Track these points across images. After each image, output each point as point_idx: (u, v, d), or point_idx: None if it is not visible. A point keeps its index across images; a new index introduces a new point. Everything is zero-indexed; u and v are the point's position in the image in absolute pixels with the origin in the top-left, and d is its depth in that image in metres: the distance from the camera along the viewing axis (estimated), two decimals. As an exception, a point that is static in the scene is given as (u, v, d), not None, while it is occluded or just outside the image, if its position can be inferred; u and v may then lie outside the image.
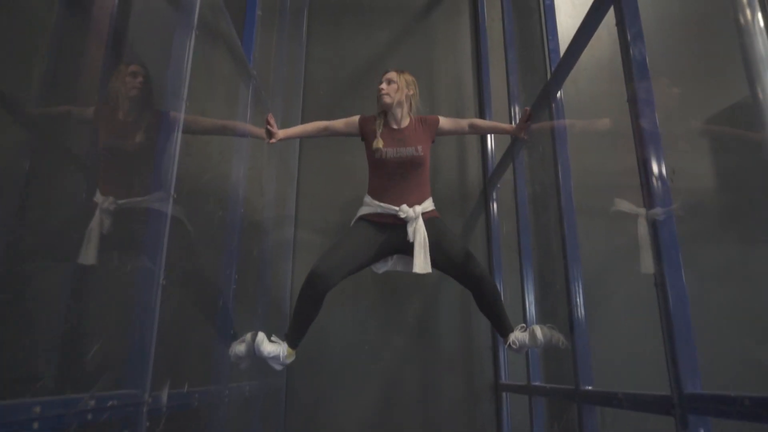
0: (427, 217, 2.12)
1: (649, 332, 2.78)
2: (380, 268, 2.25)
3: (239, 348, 1.94)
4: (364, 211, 2.19)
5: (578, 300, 1.89)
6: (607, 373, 2.21)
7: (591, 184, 3.03)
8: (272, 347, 1.95)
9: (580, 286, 1.91)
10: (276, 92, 2.90)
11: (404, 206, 2.10)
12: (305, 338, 1.99)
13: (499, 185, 3.27)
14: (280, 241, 3.10)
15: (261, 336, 1.95)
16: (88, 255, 1.36)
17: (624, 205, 2.42)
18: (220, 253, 1.99)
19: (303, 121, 3.45)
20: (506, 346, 2.10)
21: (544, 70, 3.24)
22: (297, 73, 3.45)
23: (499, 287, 3.07)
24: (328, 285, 1.97)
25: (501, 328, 2.12)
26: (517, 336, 2.05)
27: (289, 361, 2.00)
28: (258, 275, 2.55)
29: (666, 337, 1.26)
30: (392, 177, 2.15)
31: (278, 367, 1.99)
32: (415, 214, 2.08)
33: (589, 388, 1.79)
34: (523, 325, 2.11)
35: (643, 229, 2.91)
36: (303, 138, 2.42)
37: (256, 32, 2.21)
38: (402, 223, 2.10)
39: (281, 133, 2.22)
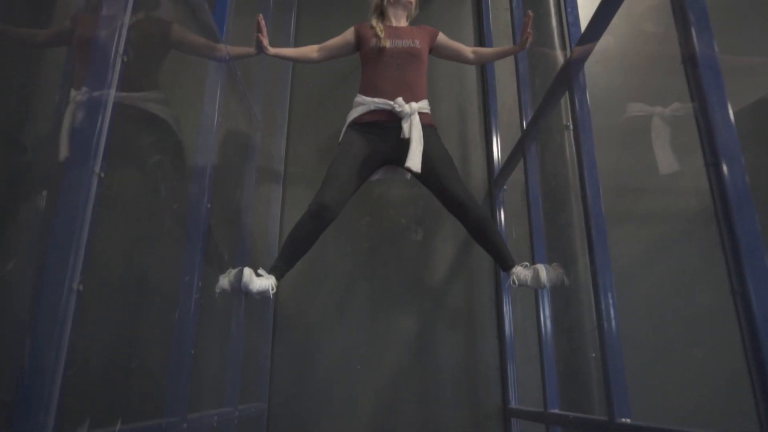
0: (424, 123, 2.03)
1: (698, 349, 2.54)
2: (372, 177, 2.19)
3: (223, 282, 1.84)
4: (354, 114, 2.09)
5: (610, 313, 1.57)
6: (647, 401, 1.90)
7: (618, 182, 2.75)
8: (261, 282, 1.85)
9: (612, 297, 1.59)
10: (257, 84, 2.60)
11: (399, 99, 2.01)
12: (289, 358, 1.84)
13: (505, 187, 2.97)
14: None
15: (248, 272, 1.83)
16: None
17: (635, 107, 2.33)
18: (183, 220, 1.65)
19: (290, 123, 3.15)
20: (508, 283, 2.03)
21: (554, 62, 2.96)
22: (283, 67, 3.16)
23: (509, 303, 2.75)
24: (334, 214, 1.94)
25: (500, 259, 2.04)
26: (519, 273, 1.96)
27: (273, 293, 1.90)
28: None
29: (752, 361, 0.94)
30: (387, 68, 2.09)
31: (260, 298, 1.91)
32: (411, 109, 2.00)
33: (628, 421, 1.47)
34: (527, 263, 2.01)
35: (659, 128, 2.77)
36: (296, 61, 2.38)
37: (231, 11, 1.92)
38: (396, 122, 2.02)
39: (272, 51, 2.09)
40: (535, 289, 2.11)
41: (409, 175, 2.33)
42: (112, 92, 1.00)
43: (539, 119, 2.20)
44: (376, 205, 2.99)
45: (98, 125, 1.01)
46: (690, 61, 1.14)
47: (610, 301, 1.58)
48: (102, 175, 0.98)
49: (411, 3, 2.27)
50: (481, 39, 3.33)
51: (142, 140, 1.63)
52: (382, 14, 2.25)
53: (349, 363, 2.73)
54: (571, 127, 2.98)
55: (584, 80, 1.83)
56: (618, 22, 3.11)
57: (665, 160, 2.87)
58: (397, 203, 3.00)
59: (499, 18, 3.40)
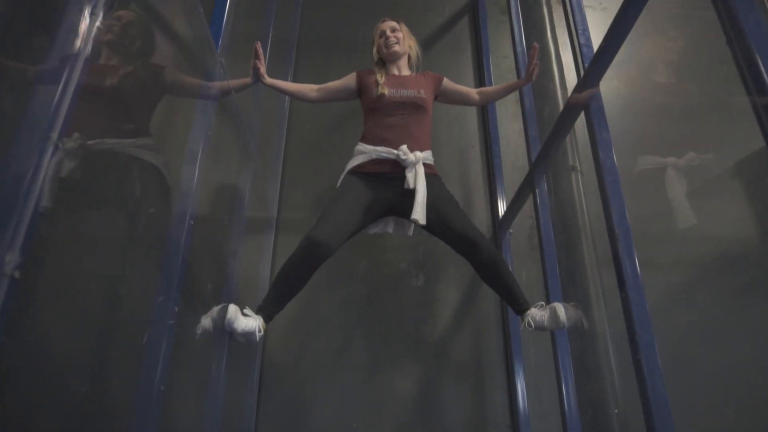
0: (428, 173, 1.95)
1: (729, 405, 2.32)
2: (371, 229, 2.10)
3: (206, 322, 1.66)
4: (355, 162, 1.98)
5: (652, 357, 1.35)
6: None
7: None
8: (247, 322, 1.71)
9: (651, 337, 1.38)
10: (253, 122, 2.48)
11: (404, 147, 1.91)
12: (277, 414, 1.61)
13: (511, 230, 2.82)
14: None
15: (233, 309, 1.69)
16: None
17: (647, 160, 2.28)
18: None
19: (286, 154, 3.03)
20: (522, 327, 1.87)
21: (560, 93, 2.90)
22: (279, 108, 3.08)
23: (519, 354, 2.52)
24: (329, 251, 1.78)
25: (513, 301, 1.90)
26: (535, 315, 1.82)
27: (259, 336, 1.75)
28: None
29: None
30: (391, 118, 1.99)
31: (245, 341, 1.76)
32: (416, 158, 1.90)
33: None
34: (542, 303, 1.86)
35: (673, 180, 2.69)
36: (292, 96, 2.16)
37: (228, 24, 1.82)
38: (399, 173, 1.92)
39: (269, 80, 2.00)
40: (552, 330, 1.93)
41: (411, 231, 2.19)
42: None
43: (550, 149, 2.08)
44: (374, 249, 2.81)
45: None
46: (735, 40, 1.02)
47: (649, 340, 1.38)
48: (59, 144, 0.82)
49: (407, 53, 2.17)
50: (482, 85, 3.29)
51: (130, 184, 1.51)
52: (383, 64, 2.16)
53: (344, 422, 2.44)
54: (578, 168, 2.87)
55: (600, 101, 1.72)
56: (628, 72, 3.12)
57: (683, 214, 2.79)
58: (397, 247, 2.82)
59: (500, 65, 3.39)
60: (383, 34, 2.14)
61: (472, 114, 3.21)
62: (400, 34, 2.13)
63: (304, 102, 2.17)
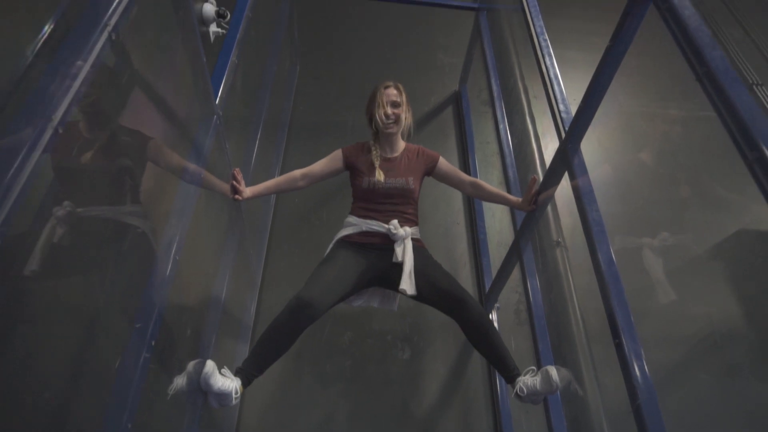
0: (416, 245, 1.97)
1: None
2: (355, 301, 2.10)
3: (179, 381, 1.54)
4: (345, 232, 1.99)
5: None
6: None
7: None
8: (224, 381, 1.65)
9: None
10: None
11: (395, 221, 1.94)
12: None
13: (498, 305, 2.78)
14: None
15: (210, 365, 1.64)
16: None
17: (625, 240, 2.34)
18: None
19: (273, 225, 3.03)
20: (513, 396, 1.82)
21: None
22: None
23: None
24: (316, 314, 1.73)
25: (502, 367, 1.85)
26: (527, 381, 1.78)
27: (235, 402, 1.67)
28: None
29: None
30: (380, 203, 2.00)
31: (218, 406, 1.70)
32: (405, 233, 1.93)
33: None
34: (533, 368, 1.83)
35: (650, 259, 2.83)
36: (279, 193, 2.10)
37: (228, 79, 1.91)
38: (387, 246, 1.94)
39: (248, 191, 2.01)
40: (546, 395, 1.85)
41: (396, 306, 2.17)
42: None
43: (533, 216, 2.13)
44: (358, 320, 2.74)
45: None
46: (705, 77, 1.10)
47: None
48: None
49: (401, 125, 2.05)
50: (467, 168, 3.42)
51: (117, 246, 1.51)
52: (377, 135, 2.08)
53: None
54: (563, 243, 2.92)
55: (582, 159, 1.80)
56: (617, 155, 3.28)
57: (663, 290, 2.87)
58: (382, 318, 2.75)
59: (483, 150, 3.55)
60: (385, 104, 2.01)
61: (457, 193, 3.30)
62: (400, 111, 2.02)
63: (293, 192, 2.17)
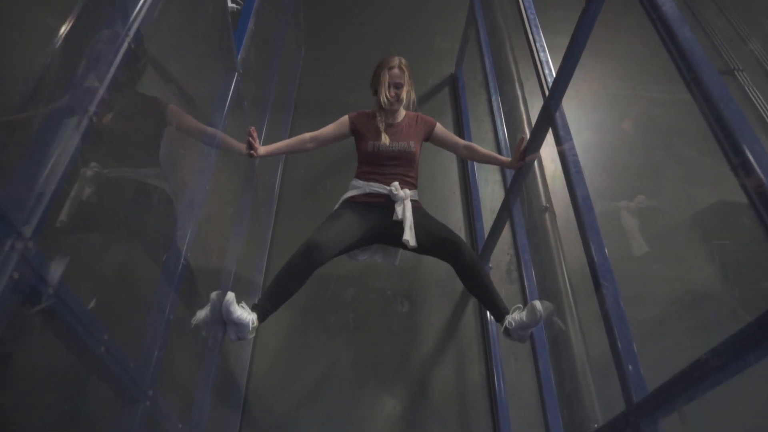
0: (414, 206, 2.13)
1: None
2: (360, 256, 2.27)
3: (201, 313, 1.72)
4: (350, 193, 2.17)
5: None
6: None
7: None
8: (242, 312, 1.82)
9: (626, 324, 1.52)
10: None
11: (396, 183, 2.12)
12: None
13: (490, 265, 3.00)
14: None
15: (231, 296, 1.81)
16: None
17: (604, 204, 2.57)
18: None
19: (281, 194, 3.24)
20: (502, 332, 2.01)
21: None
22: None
23: (501, 377, 2.59)
24: (324, 257, 1.91)
25: (493, 307, 2.06)
26: (514, 316, 1.97)
27: (251, 336, 1.86)
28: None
29: None
30: (383, 165, 2.17)
31: (235, 339, 1.85)
32: (405, 195, 2.10)
33: None
34: (520, 305, 2.01)
35: (627, 219, 3.23)
36: (290, 153, 2.35)
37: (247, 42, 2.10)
38: (389, 205, 2.11)
39: (263, 150, 2.18)
40: (532, 326, 2.05)
41: (397, 260, 2.36)
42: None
43: (521, 173, 2.33)
44: (361, 278, 2.95)
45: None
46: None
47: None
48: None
49: (403, 102, 2.19)
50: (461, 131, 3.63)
51: (139, 207, 1.65)
52: (381, 108, 2.20)
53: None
54: (551, 208, 3.14)
55: (563, 115, 2.01)
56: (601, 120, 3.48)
57: (636, 243, 3.13)
58: (383, 276, 2.96)
59: (478, 127, 3.76)
60: (389, 85, 2.14)
61: (453, 165, 3.52)
62: (402, 92, 2.15)
63: (302, 153, 2.34)
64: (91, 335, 0.94)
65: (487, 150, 2.33)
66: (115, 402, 1.15)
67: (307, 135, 2.24)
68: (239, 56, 1.97)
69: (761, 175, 0.99)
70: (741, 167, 1.04)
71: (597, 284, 1.63)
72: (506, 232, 2.83)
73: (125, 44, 1.10)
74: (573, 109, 2.17)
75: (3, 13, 0.97)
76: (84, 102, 0.98)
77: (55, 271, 0.83)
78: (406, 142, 2.19)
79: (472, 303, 2.93)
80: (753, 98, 4.33)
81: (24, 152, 0.84)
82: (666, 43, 1.33)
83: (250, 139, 2.12)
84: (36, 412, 0.99)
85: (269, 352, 2.65)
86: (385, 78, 2.16)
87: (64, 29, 1.01)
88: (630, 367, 1.43)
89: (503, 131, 3.15)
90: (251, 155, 2.15)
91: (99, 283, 1.14)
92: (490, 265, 3.00)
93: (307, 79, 3.94)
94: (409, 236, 2.03)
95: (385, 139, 2.15)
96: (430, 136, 2.31)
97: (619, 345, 1.50)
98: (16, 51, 1.01)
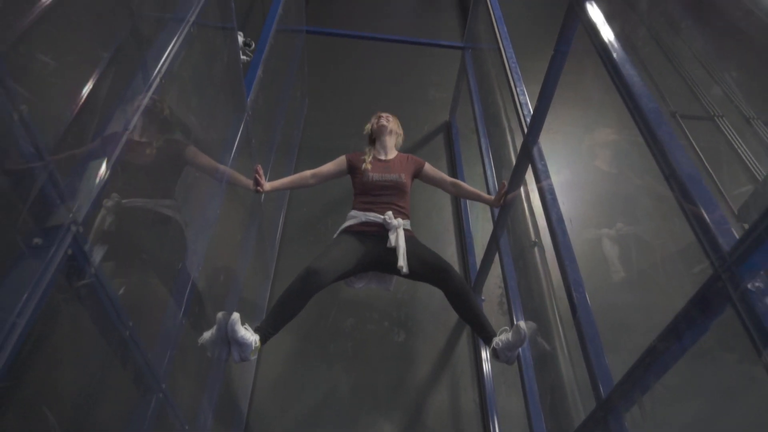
0: (406, 235, 2.30)
1: None
2: (357, 284, 2.41)
3: (207, 334, 1.82)
4: (347, 223, 2.34)
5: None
6: None
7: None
8: (245, 332, 1.94)
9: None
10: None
11: (389, 213, 2.30)
12: None
13: (483, 297, 3.14)
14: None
15: (236, 316, 1.92)
16: None
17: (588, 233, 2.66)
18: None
19: (284, 232, 3.43)
20: (490, 353, 2.10)
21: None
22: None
23: (494, 404, 2.69)
24: (322, 282, 2.05)
25: (481, 330, 2.17)
26: (501, 337, 2.08)
27: (253, 357, 1.96)
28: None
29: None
30: (377, 195, 2.36)
31: (238, 359, 1.95)
32: (398, 224, 2.28)
33: None
34: (506, 327, 2.12)
35: (607, 245, 3.36)
36: (293, 188, 2.53)
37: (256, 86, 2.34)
38: (383, 234, 2.28)
39: (268, 186, 2.39)
40: (517, 346, 2.16)
41: (392, 286, 2.54)
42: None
43: (506, 210, 2.53)
44: (359, 309, 3.09)
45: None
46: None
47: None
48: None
49: (394, 131, 2.53)
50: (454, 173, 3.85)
51: (152, 235, 1.84)
52: (374, 143, 2.54)
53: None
54: (540, 244, 3.32)
55: (541, 152, 2.22)
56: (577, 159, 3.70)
57: (614, 269, 3.32)
58: (381, 307, 3.11)
59: (470, 170, 3.99)
60: (378, 117, 2.55)
61: (447, 204, 3.72)
62: (390, 119, 2.54)
63: (303, 189, 2.59)
64: (118, 317, 1.11)
65: (473, 188, 2.55)
66: (132, 388, 1.30)
67: (308, 172, 2.46)
68: (249, 99, 2.21)
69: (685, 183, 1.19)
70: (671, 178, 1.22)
71: (570, 295, 1.79)
72: (498, 270, 2.99)
73: (152, 88, 1.32)
74: (550, 151, 2.40)
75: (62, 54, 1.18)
76: (117, 136, 1.17)
77: (96, 255, 1.01)
78: (397, 174, 2.41)
79: (466, 332, 3.06)
80: (733, 143, 4.56)
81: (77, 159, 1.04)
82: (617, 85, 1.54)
83: (257, 176, 2.31)
84: (64, 386, 1.15)
85: (272, 376, 2.77)
86: (375, 120, 2.55)
87: (94, 76, 1.21)
88: (598, 364, 1.56)
89: (491, 170, 3.38)
90: (258, 191, 2.33)
91: (124, 279, 1.32)
92: (483, 297, 3.14)
93: (310, 126, 4.21)
94: (402, 263, 2.18)
95: (367, 165, 2.40)
96: (420, 173, 2.54)
97: (588, 345, 1.64)
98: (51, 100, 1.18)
